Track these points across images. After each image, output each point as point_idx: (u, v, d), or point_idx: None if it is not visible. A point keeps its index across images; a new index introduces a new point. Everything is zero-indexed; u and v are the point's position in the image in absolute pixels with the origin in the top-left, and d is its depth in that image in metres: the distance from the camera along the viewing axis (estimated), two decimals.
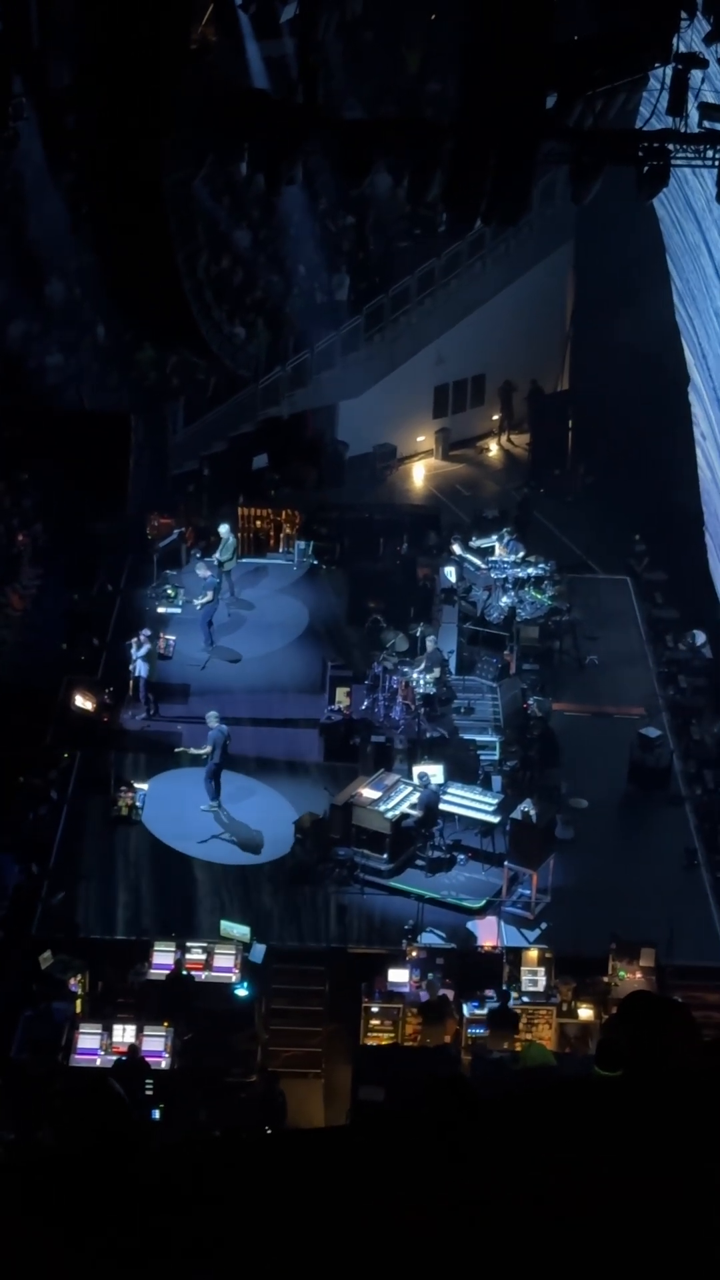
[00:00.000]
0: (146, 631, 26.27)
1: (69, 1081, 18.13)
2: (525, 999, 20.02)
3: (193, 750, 24.23)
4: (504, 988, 20.06)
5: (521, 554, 28.78)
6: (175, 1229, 5.05)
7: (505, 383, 36.57)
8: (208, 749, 23.51)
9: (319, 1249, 4.99)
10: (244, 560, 29.89)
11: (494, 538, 29.31)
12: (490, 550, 28.94)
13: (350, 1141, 5.85)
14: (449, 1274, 4.93)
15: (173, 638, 27.44)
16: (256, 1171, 5.37)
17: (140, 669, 25.71)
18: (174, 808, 23.81)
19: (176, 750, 24.81)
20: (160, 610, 28.63)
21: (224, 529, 28.87)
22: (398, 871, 22.61)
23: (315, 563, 30.82)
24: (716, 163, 19.71)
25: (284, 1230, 5.06)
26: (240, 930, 20.85)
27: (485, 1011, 19.86)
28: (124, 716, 25.79)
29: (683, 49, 18.78)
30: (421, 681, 25.03)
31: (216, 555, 28.60)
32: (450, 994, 20.12)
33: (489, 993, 20.06)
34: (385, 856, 22.50)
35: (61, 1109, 16.31)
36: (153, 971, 20.33)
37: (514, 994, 20.03)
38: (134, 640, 25.97)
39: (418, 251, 34.40)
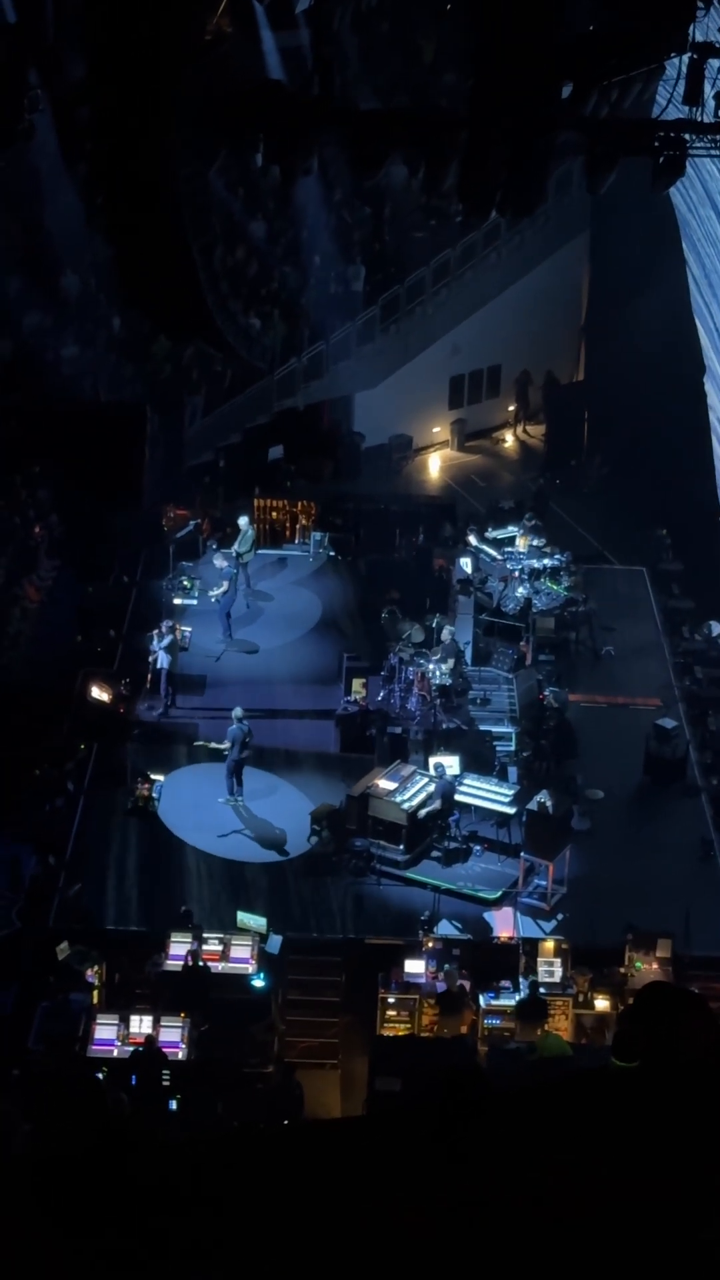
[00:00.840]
0: (168, 622, 26.32)
1: (51, 1081, 18.03)
2: (542, 990, 20.02)
3: (212, 744, 24.26)
4: (532, 978, 20.07)
5: (543, 540, 28.76)
6: (174, 1229, 5.05)
7: (521, 373, 36.52)
8: (226, 744, 23.56)
9: (317, 1249, 4.99)
10: (262, 551, 29.91)
11: (514, 527, 29.30)
12: (506, 541, 28.92)
13: (350, 1141, 5.85)
14: (448, 1274, 4.93)
15: (189, 629, 27.45)
16: (254, 1172, 5.37)
17: (162, 660, 25.73)
18: (191, 800, 23.84)
19: (196, 743, 24.85)
20: (176, 601, 28.65)
21: (243, 521, 28.87)
22: (414, 862, 22.62)
23: (331, 554, 30.82)
24: None
25: (282, 1231, 5.06)
26: (256, 921, 20.87)
27: (503, 1002, 19.89)
28: (140, 708, 25.81)
29: (699, 38, 18.72)
30: (437, 672, 25.03)
31: (235, 546, 28.61)
32: (467, 984, 20.14)
33: (504, 983, 20.08)
34: (401, 847, 22.51)
35: (42, 1108, 16.26)
36: (169, 962, 20.34)
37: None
38: (155, 631, 26.01)
39: (433, 242, 34.35)
